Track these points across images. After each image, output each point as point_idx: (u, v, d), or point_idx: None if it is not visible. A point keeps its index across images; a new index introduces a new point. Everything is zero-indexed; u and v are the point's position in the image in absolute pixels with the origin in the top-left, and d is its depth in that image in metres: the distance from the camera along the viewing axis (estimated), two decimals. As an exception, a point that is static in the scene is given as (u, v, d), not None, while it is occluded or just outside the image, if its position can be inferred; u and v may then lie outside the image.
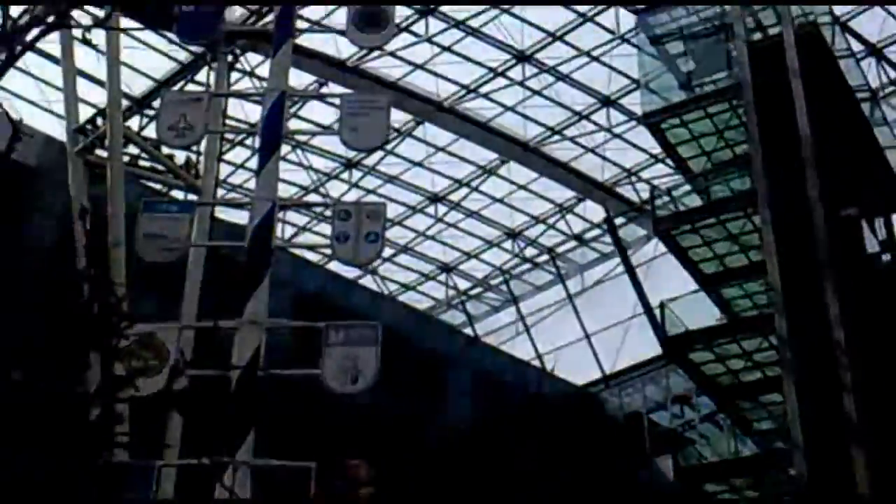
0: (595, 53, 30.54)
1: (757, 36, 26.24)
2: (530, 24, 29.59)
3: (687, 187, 28.61)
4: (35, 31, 9.00)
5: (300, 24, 12.69)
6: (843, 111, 24.95)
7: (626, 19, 28.85)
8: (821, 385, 21.20)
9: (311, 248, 38.58)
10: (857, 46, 29.32)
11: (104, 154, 20.07)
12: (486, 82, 31.50)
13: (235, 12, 26.51)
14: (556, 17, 29.36)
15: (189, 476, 11.73)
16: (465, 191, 35.74)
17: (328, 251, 13.71)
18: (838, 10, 27.47)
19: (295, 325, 12.37)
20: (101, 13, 13.59)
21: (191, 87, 28.06)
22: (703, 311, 26.93)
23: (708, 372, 26.87)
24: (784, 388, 22.06)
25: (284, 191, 32.68)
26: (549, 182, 35.14)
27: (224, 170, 30.54)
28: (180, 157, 22.45)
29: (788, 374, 21.94)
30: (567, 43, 30.14)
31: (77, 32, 18.83)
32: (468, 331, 39.06)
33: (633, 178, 35.00)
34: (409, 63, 30.43)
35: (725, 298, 27.63)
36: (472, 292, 40.92)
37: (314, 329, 10.74)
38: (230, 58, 26.70)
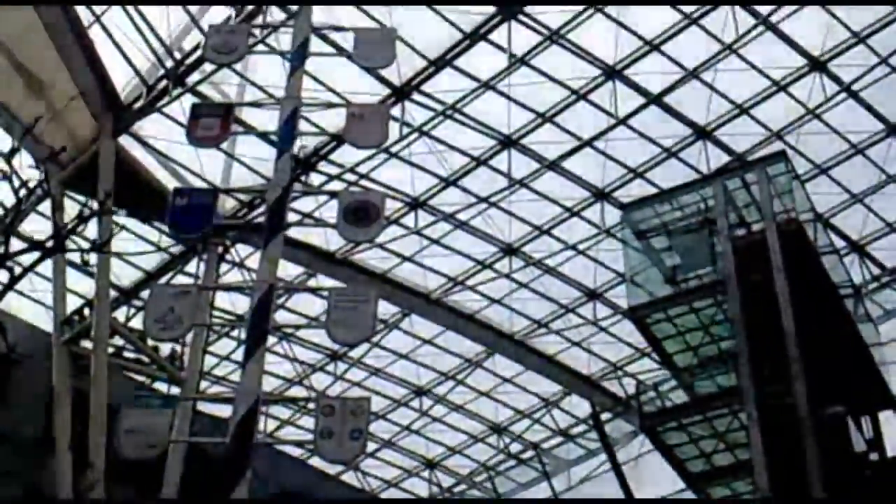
0: (581, 247, 30.91)
1: (740, 232, 26.65)
2: (518, 217, 30.04)
3: (673, 382, 28.51)
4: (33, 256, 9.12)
5: (290, 217, 12.79)
6: (828, 307, 25.10)
7: (612, 214, 29.32)
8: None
9: (295, 444, 38.07)
10: (839, 243, 29.84)
11: (89, 345, 20.03)
12: (473, 274, 31.77)
13: (227, 203, 26.97)
14: (542, 211, 29.83)
15: None
16: (450, 384, 35.55)
17: (311, 447, 13.48)
18: (821, 206, 28.02)
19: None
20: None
21: (180, 278, 28.25)
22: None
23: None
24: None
25: (269, 383, 32.55)
26: (534, 375, 35.03)
27: (209, 361, 30.51)
28: (165, 348, 22.44)
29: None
30: (553, 236, 30.54)
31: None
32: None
33: (619, 373, 34.93)
34: (398, 255, 30.73)
35: (712, 497, 27.15)
36: (457, 489, 40.18)
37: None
38: (220, 249, 27.05)
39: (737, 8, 24.40)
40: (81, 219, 12.57)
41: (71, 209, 21.86)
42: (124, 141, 24.73)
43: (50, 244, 9.11)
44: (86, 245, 13.07)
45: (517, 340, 33.72)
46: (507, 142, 27.51)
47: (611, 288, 31.92)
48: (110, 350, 21.19)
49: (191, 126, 12.29)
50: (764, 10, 24.58)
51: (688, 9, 24.52)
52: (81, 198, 21.80)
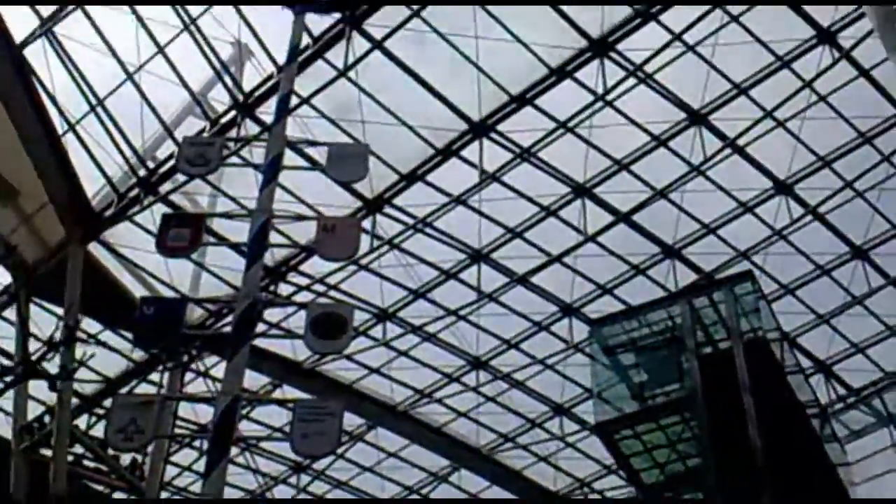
0: (549, 362, 30.86)
1: (708, 349, 26.72)
2: (486, 331, 30.02)
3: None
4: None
5: (258, 327, 12.75)
6: (794, 426, 25.09)
7: (580, 329, 29.37)
8: None
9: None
10: (806, 362, 29.98)
11: (48, 453, 19.69)
12: (440, 387, 31.60)
13: (194, 312, 26.84)
14: (511, 325, 29.87)
15: None
16: (414, 497, 35.06)
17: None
18: (787, 326, 28.22)
19: None
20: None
21: (144, 387, 27.96)
22: None
23: None
24: None
25: (230, 494, 32.00)
26: (501, 491, 34.62)
27: (170, 471, 30.01)
28: (127, 456, 22.10)
29: None
30: (522, 351, 30.50)
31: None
32: None
33: (586, 489, 34.58)
34: (365, 367, 30.56)
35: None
36: None
37: None
38: (185, 358, 26.84)
39: (704, 130, 24.81)
40: (50, 345, 12.49)
41: (35, 315, 21.76)
42: (94, 248, 24.70)
43: (19, 371, 9.04)
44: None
45: (483, 454, 33.41)
46: (477, 256, 27.64)
47: (578, 403, 31.80)
48: (70, 458, 20.80)
49: (161, 236, 12.29)
50: (731, 132, 25.01)
51: (656, 129, 24.93)
52: (49, 305, 21.67)
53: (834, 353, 30.84)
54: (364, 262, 27.18)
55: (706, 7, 22.05)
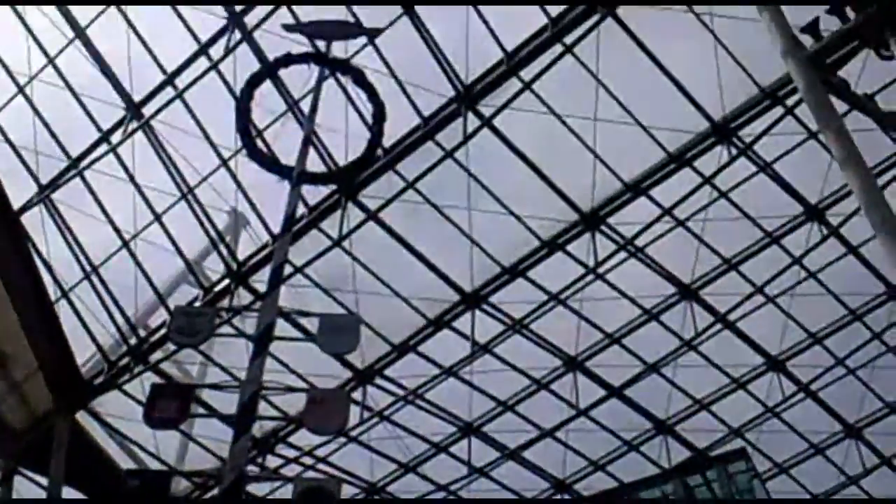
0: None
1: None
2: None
3: None
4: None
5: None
6: None
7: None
8: None
9: None
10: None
11: None
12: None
13: (181, 484, 26.36)
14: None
15: None
16: None
17: None
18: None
19: None
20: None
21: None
22: None
23: None
24: None
25: None
26: None
27: None
28: None
29: None
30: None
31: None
32: None
33: None
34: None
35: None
36: None
37: None
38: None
39: (695, 305, 24.91)
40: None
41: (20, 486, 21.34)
42: (81, 416, 24.39)
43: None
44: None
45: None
46: (468, 429, 27.36)
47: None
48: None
49: (149, 407, 12.16)
50: (722, 307, 25.12)
51: (648, 303, 25.03)
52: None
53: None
54: (354, 433, 26.86)
55: (696, 181, 22.38)
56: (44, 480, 20.41)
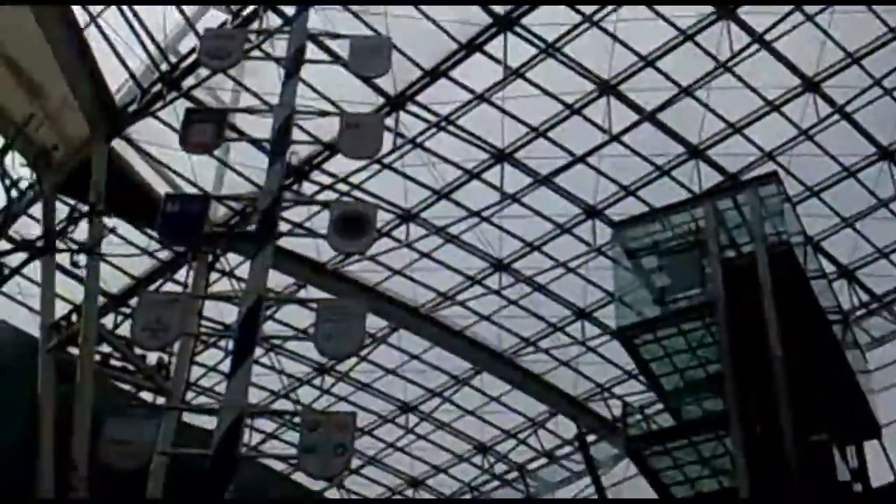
0: (571, 265, 30.77)
1: (731, 253, 26.59)
2: (509, 233, 29.95)
3: (660, 406, 28.36)
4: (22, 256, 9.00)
5: (282, 226, 12.67)
6: (816, 333, 25.04)
7: (603, 232, 29.24)
8: None
9: (278, 458, 37.78)
10: (829, 267, 29.76)
11: (76, 352, 19.81)
12: (462, 290, 31.65)
13: (219, 211, 26.84)
14: (534, 227, 29.77)
15: None
16: (437, 401, 35.36)
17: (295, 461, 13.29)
18: (811, 230, 27.98)
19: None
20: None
21: (169, 286, 28.08)
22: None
23: None
24: None
25: (255, 395, 32.32)
26: (521, 394, 34.85)
27: (196, 371, 30.31)
28: (152, 357, 22.26)
29: None
30: (544, 253, 30.44)
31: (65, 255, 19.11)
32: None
33: (606, 394, 34.75)
34: (388, 268, 30.60)
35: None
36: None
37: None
38: (210, 258, 26.88)
39: (732, 24, 24.34)
40: (72, 219, 12.44)
41: (62, 213, 21.75)
42: (117, 144, 24.59)
43: (40, 244, 8.99)
44: (75, 247, 12.92)
45: (505, 358, 33.56)
46: (500, 156, 27.43)
47: (600, 307, 31.78)
48: (97, 357, 20.95)
49: (184, 132, 12.17)
50: (759, 27, 24.54)
51: (683, 23, 24.48)
52: (73, 202, 21.61)
53: (857, 258, 30.55)
54: (387, 160, 27.03)
55: None
56: (84, 207, 20.75)
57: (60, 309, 23.02)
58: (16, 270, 8.69)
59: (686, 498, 26.45)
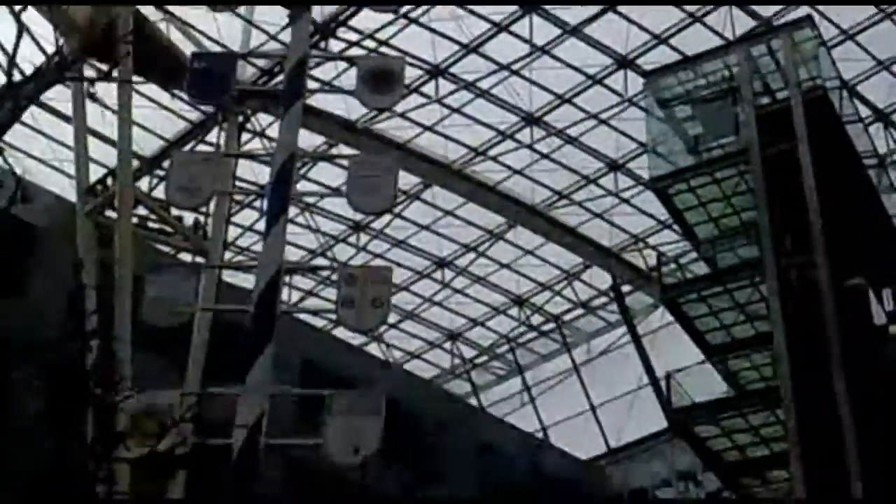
0: (603, 116, 30.56)
1: (765, 100, 26.30)
2: (539, 86, 29.69)
3: (694, 255, 28.50)
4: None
5: (310, 84, 12.64)
6: (851, 177, 24.91)
7: (635, 82, 28.93)
8: (828, 461, 20.87)
9: (317, 312, 38.41)
10: (864, 111, 29.37)
11: (113, 215, 19.98)
12: (494, 145, 31.58)
13: (247, 71, 26.71)
14: (564, 79, 29.49)
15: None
16: (471, 255, 35.66)
17: (333, 316, 13.54)
18: (847, 74, 27.52)
19: (299, 393, 12.18)
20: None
21: (201, 147, 28.18)
22: (709, 384, 26.52)
23: (714, 447, 26.39)
24: (790, 465, 21.75)
25: (292, 254, 32.76)
26: (556, 247, 35.07)
27: (232, 232, 30.63)
28: (188, 218, 22.43)
29: (795, 449, 21.60)
30: (576, 105, 30.22)
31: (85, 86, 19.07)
32: (473, 401, 38.79)
33: (641, 245, 34.90)
34: (418, 125, 30.53)
35: (732, 370, 27.27)
36: (478, 361, 40.66)
37: (317, 396, 10.57)
38: (241, 118, 26.84)
39: None
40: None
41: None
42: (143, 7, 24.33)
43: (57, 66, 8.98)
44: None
45: (538, 212, 33.66)
46: (529, 5, 26.97)
47: (633, 158, 31.69)
48: (134, 220, 21.14)
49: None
50: None
51: None
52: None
53: (894, 102, 30.10)
54: (414, 15, 26.67)
55: None
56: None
57: (95, 173, 23.20)
58: (32, 98, 8.68)
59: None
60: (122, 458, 9.97)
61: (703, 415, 25.59)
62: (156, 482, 13.82)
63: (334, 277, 12.69)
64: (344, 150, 29.62)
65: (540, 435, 35.91)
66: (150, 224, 21.97)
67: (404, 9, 23.07)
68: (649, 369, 34.05)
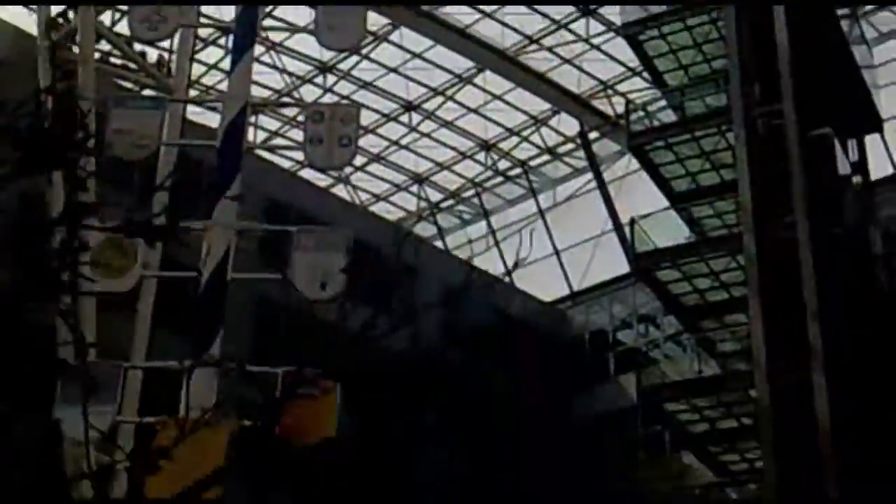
0: (576, -40, 30.08)
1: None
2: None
3: (663, 103, 28.45)
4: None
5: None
6: (823, 28, 24.71)
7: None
8: (786, 307, 21.29)
9: (283, 149, 38.12)
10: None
11: (75, 49, 19.59)
12: (465, -14, 31.05)
13: None
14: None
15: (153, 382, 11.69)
16: (439, 99, 35.39)
17: (300, 157, 13.53)
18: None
19: (265, 229, 12.23)
20: None
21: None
22: (672, 230, 26.78)
23: (674, 291, 26.84)
24: (749, 309, 22.17)
25: (258, 93, 32.33)
26: (524, 93, 34.86)
27: (196, 70, 30.17)
28: (152, 55, 22.07)
29: (754, 294, 22.00)
30: (548, -53, 29.68)
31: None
32: (439, 243, 39.01)
33: (610, 92, 34.73)
34: (385, -33, 29.93)
35: (695, 217, 27.51)
36: (444, 205, 40.77)
37: (283, 234, 10.63)
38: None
39: None
40: None
41: None
42: None
43: None
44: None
45: (508, 56, 33.31)
46: None
47: (605, 4, 31.24)
48: (97, 56, 20.75)
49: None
50: None
51: None
52: None
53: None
54: None
55: None
56: None
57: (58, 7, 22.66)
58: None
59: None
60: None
61: (666, 259, 25.91)
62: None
63: (301, 118, 12.58)
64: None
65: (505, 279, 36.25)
66: (113, 59, 21.61)
67: None
68: (614, 215, 34.33)
